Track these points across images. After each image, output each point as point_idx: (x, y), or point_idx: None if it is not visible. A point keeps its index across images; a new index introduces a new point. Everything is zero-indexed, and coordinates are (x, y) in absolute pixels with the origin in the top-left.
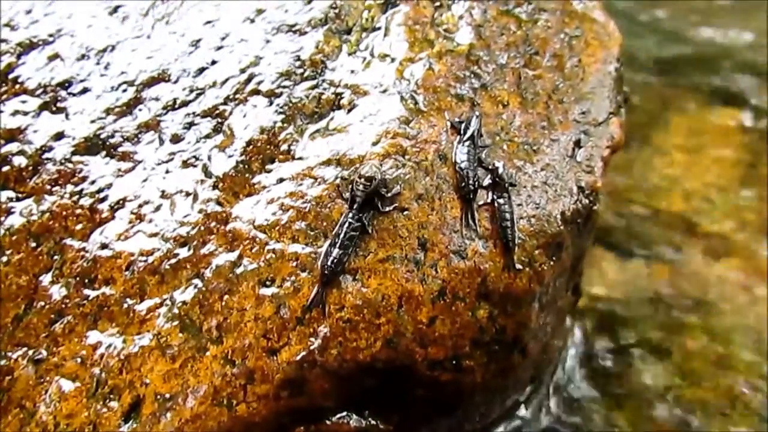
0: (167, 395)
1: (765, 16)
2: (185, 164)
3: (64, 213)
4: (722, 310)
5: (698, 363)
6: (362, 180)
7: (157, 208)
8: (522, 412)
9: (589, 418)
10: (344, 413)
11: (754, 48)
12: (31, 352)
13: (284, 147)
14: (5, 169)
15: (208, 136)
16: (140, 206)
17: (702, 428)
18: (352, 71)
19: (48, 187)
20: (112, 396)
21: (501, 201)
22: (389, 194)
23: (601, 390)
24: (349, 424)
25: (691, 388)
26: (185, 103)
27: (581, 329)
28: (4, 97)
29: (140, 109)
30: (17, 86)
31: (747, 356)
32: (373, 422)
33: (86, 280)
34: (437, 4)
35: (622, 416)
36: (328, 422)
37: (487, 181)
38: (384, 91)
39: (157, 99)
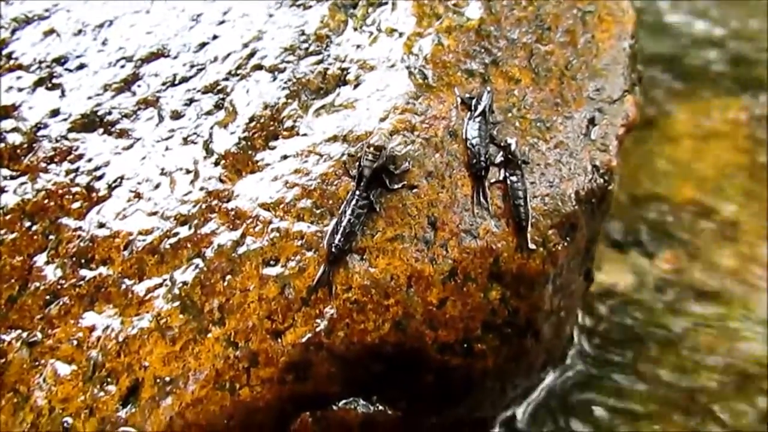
0: (167, 378)
1: None
2: (186, 141)
3: (60, 191)
4: (731, 298)
5: (707, 352)
6: (371, 149)
7: (157, 186)
8: (532, 398)
9: (600, 407)
10: (351, 399)
11: (763, 34)
12: (25, 335)
13: (288, 123)
14: (0, 146)
15: (209, 113)
16: (139, 184)
17: (712, 418)
18: (359, 46)
19: (43, 165)
20: (109, 379)
21: (513, 179)
22: (398, 171)
23: (610, 378)
24: (356, 410)
25: (701, 377)
26: (185, 79)
27: (589, 315)
28: None
29: (139, 86)
30: (12, 62)
31: (756, 345)
32: (380, 408)
33: (83, 261)
34: None
35: (631, 404)
36: (334, 408)
37: (499, 159)
38: (392, 66)
39: (156, 75)
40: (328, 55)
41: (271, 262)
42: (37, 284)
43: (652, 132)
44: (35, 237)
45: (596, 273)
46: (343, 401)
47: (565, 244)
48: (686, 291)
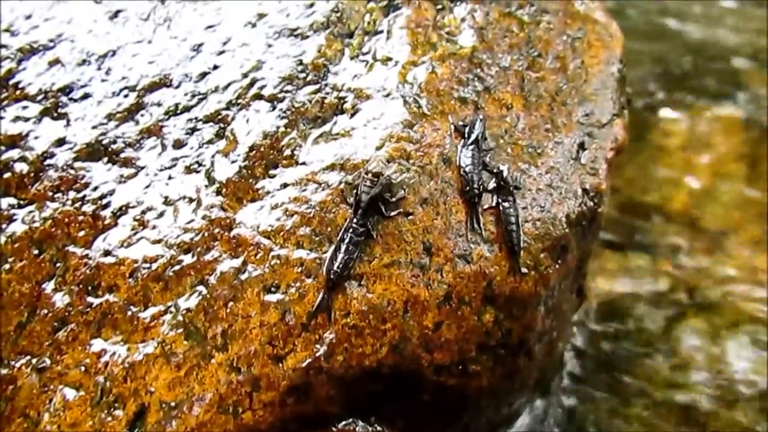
0: (172, 403)
1: (766, 13)
2: (188, 170)
3: (67, 220)
4: (725, 307)
5: (701, 361)
6: (369, 176)
7: (161, 215)
8: (528, 415)
9: (595, 419)
10: (350, 419)
11: (754, 44)
12: (34, 361)
13: (287, 152)
14: (6, 175)
15: (210, 142)
16: (143, 213)
17: (706, 426)
18: (355, 75)
19: (50, 193)
20: (116, 404)
21: (506, 204)
22: (394, 198)
23: (605, 389)
24: (355, 430)
25: (696, 386)
26: (187, 108)
27: (584, 326)
28: (5, 103)
29: (142, 115)
30: (18, 92)
31: (750, 353)
32: (379, 428)
33: (89, 288)
34: (439, 6)
35: (627, 416)
36: (334, 429)
37: (491, 185)
38: (387, 95)
39: (158, 104)
40: (326, 84)
41: (272, 289)
42: (46, 311)
43: (645, 140)
44: (43, 264)
45: (592, 283)
46: (343, 422)
47: (557, 266)
48: (682, 300)
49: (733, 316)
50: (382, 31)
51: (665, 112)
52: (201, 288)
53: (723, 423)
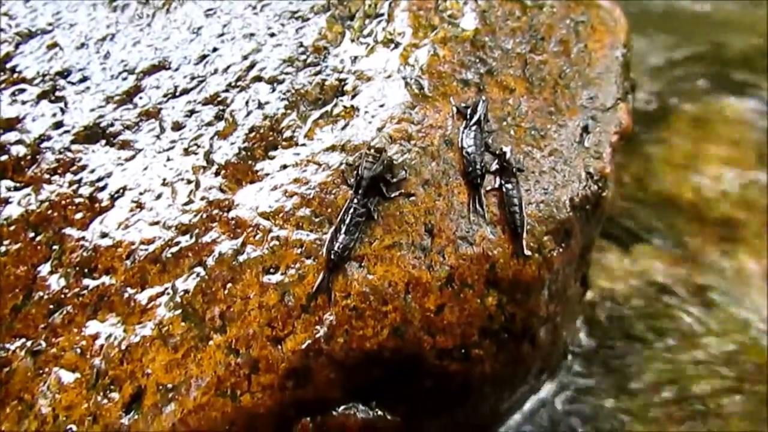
0: (169, 386)
1: None
2: (187, 152)
3: (63, 202)
4: (731, 299)
5: (706, 354)
6: (371, 152)
7: (158, 197)
8: (530, 404)
9: (597, 411)
10: (350, 404)
11: (761, 34)
12: (29, 344)
13: (287, 134)
14: (3, 158)
15: (209, 124)
16: (141, 194)
17: (709, 420)
18: (356, 57)
19: (47, 176)
20: (112, 387)
21: (509, 186)
22: (395, 179)
23: (608, 382)
24: (356, 416)
25: (700, 380)
26: (186, 91)
27: (587, 318)
28: (3, 86)
29: (140, 98)
30: (15, 75)
31: (756, 347)
32: (379, 413)
33: (86, 270)
34: None
35: (629, 408)
36: (334, 413)
37: (494, 167)
38: (388, 77)
39: (157, 87)
40: (326, 67)
41: (271, 270)
42: (41, 294)
43: (652, 131)
44: (39, 247)
45: (595, 275)
46: (343, 407)
47: (560, 250)
48: (686, 293)
49: (741, 310)
50: (383, 14)
51: (672, 103)
52: (199, 269)
53: (729, 422)
